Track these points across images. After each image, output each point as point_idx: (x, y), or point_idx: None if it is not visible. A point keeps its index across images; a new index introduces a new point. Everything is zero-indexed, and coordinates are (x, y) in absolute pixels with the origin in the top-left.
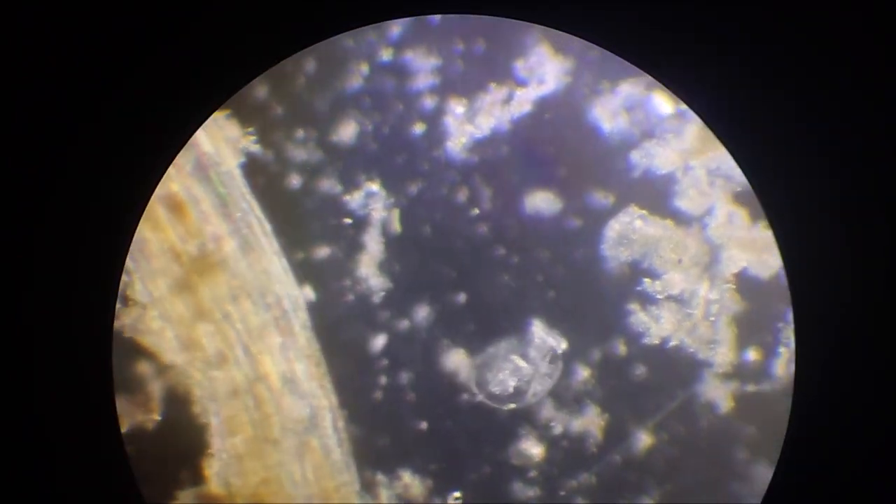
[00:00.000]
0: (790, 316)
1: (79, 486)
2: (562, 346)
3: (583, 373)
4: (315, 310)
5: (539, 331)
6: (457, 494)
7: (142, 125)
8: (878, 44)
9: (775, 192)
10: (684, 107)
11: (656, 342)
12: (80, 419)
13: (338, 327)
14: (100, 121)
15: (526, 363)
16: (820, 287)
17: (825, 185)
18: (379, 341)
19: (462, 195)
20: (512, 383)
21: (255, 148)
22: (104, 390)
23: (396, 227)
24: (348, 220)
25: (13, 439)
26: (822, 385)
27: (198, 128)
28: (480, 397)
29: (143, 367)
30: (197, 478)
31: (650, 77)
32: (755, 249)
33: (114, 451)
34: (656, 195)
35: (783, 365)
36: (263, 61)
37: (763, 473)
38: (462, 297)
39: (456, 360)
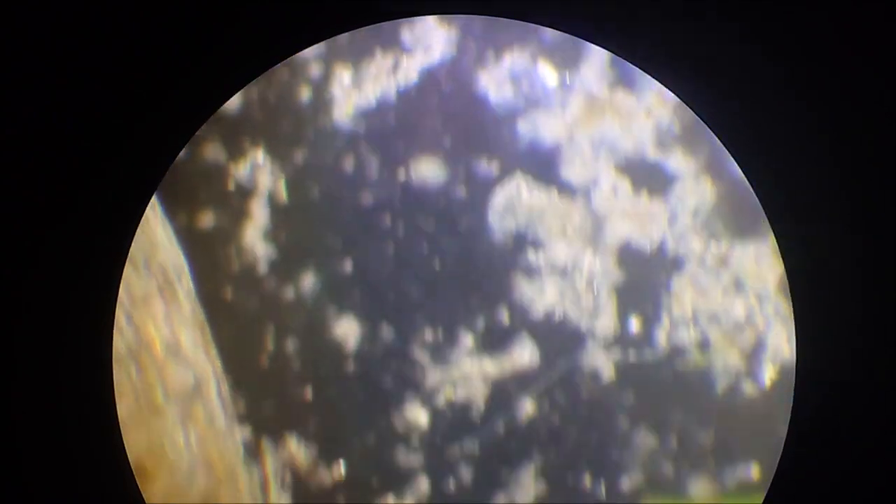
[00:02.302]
0: (672, 286)
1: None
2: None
3: (467, 341)
4: (200, 277)
5: None
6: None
7: (141, 130)
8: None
9: (775, 190)
10: (570, 76)
11: (540, 312)
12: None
13: (223, 295)
14: (98, 121)
15: None
16: (820, 280)
17: (827, 182)
18: (265, 309)
19: (348, 163)
20: None
21: None
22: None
23: (282, 195)
24: (232, 187)
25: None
26: (823, 383)
27: (196, 130)
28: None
29: None
30: None
31: (538, 48)
32: (638, 220)
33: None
34: (542, 165)
35: (664, 333)
36: (258, 64)
37: (643, 440)
38: (348, 266)
39: (342, 328)
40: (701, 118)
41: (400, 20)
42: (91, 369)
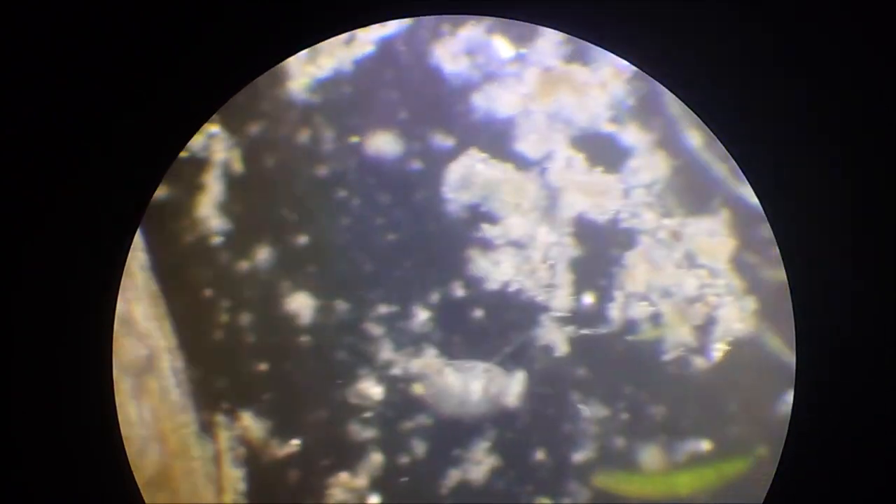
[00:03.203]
0: (626, 260)
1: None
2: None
3: (422, 315)
4: (154, 250)
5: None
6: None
7: (141, 130)
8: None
9: (776, 192)
10: (525, 50)
11: (495, 286)
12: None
13: (177, 268)
14: (98, 121)
15: None
16: (821, 283)
17: (826, 181)
18: (219, 282)
19: (303, 136)
20: None
21: None
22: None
23: (237, 167)
24: (184, 154)
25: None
26: (824, 382)
27: (197, 130)
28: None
29: None
30: None
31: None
32: (593, 194)
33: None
34: (497, 139)
35: (618, 309)
36: (258, 65)
37: (595, 414)
38: (303, 239)
39: (296, 302)
40: (688, 105)
41: None
42: (90, 370)
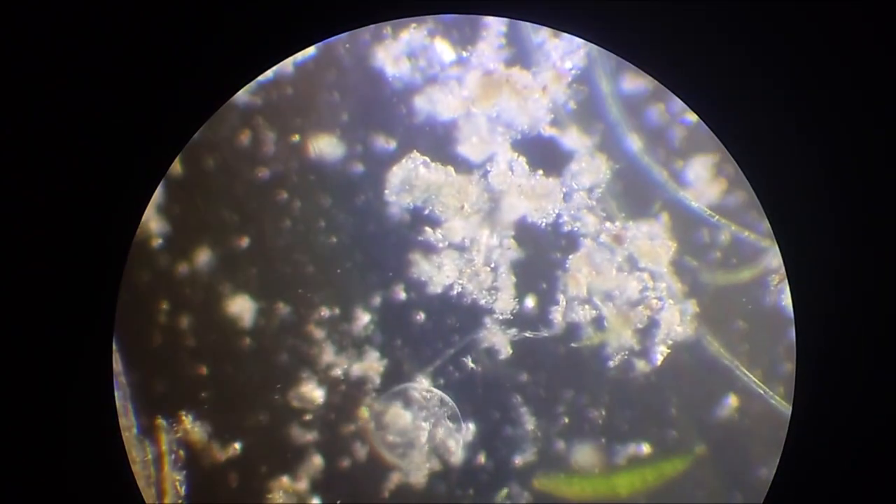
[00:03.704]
0: (568, 264)
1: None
2: None
3: (363, 318)
4: None
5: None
6: None
7: (142, 128)
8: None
9: (778, 196)
10: (466, 53)
11: (438, 289)
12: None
13: None
14: (101, 122)
15: None
16: (820, 285)
17: (827, 188)
18: (159, 285)
19: (245, 138)
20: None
21: None
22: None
23: (177, 169)
24: None
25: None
26: (823, 384)
27: (196, 130)
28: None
29: None
30: None
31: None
32: (534, 197)
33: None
34: (439, 142)
35: (560, 312)
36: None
37: (536, 417)
38: (244, 241)
39: (237, 305)
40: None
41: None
42: (91, 371)
